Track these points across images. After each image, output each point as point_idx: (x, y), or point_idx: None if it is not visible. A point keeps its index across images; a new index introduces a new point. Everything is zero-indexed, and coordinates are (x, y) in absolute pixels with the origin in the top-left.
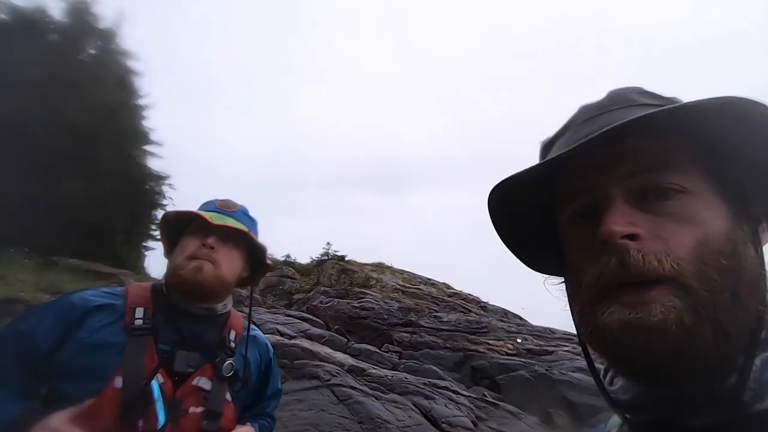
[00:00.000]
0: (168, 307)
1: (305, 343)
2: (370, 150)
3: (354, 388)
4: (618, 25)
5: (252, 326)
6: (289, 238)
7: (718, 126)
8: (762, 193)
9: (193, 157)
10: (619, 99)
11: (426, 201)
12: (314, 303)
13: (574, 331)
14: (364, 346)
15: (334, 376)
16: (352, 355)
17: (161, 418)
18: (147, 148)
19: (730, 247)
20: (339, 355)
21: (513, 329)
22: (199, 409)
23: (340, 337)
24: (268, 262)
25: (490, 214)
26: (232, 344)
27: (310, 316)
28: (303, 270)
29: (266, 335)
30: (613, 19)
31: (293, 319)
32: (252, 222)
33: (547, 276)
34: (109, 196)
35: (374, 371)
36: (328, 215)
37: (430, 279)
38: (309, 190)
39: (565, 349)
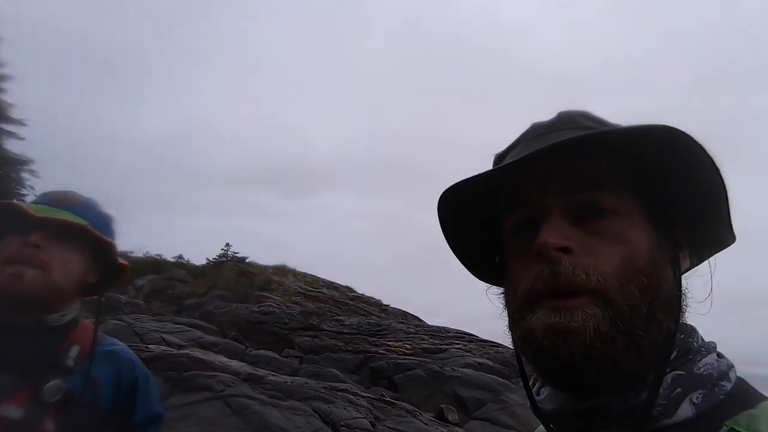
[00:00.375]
0: None
1: (196, 353)
2: (275, 148)
3: (250, 398)
4: (517, 47)
5: (113, 340)
6: (182, 237)
7: (647, 152)
8: (685, 219)
9: (67, 142)
10: (566, 120)
11: (331, 203)
12: (209, 308)
13: (466, 330)
14: (263, 352)
15: (229, 386)
16: (250, 363)
17: None
18: (3, 126)
19: (651, 266)
20: (235, 364)
21: (411, 330)
22: None
23: (236, 344)
24: (121, 262)
25: (440, 219)
26: (70, 362)
27: (204, 323)
28: (197, 272)
29: (151, 346)
30: (514, 41)
31: (183, 327)
32: (102, 217)
33: (489, 286)
34: None
35: (273, 378)
36: (228, 214)
37: (333, 282)
38: (207, 186)
39: (457, 346)
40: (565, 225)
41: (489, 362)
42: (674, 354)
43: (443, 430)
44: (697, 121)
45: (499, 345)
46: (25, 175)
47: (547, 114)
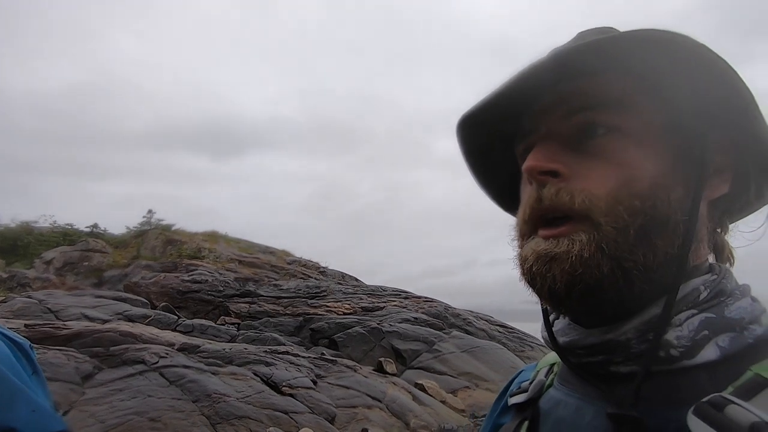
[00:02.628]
0: None
1: (124, 326)
2: (199, 107)
3: (187, 367)
4: (455, 8)
5: None
6: (96, 204)
7: (657, 60)
8: (720, 140)
9: None
10: (583, 38)
11: (263, 165)
12: (134, 279)
13: (402, 288)
14: (197, 321)
15: (163, 357)
16: (184, 333)
17: None
18: None
19: (652, 189)
20: (168, 335)
21: (350, 291)
22: None
23: (168, 314)
24: None
25: (461, 146)
26: None
27: (130, 295)
28: (117, 242)
29: (69, 322)
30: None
31: (106, 300)
32: None
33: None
34: None
35: (210, 346)
36: (150, 179)
37: (269, 247)
38: (123, 148)
39: (394, 303)
40: (555, 148)
41: (424, 316)
42: (704, 295)
43: (382, 380)
44: None
45: (432, 300)
46: None
47: (481, 77)
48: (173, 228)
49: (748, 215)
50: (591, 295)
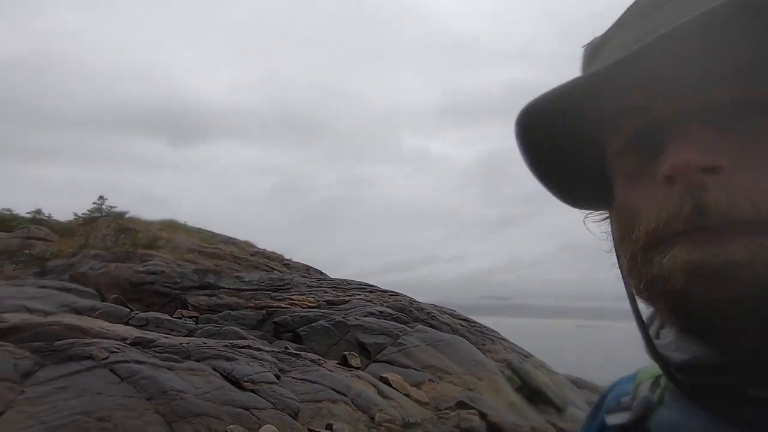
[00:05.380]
0: None
1: (70, 319)
2: (153, 90)
3: (140, 362)
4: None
5: None
6: (39, 189)
7: None
8: None
9: None
10: None
11: (222, 153)
12: (81, 270)
13: (366, 281)
14: (152, 314)
15: (114, 352)
16: (137, 326)
17: None
18: None
19: None
20: (119, 328)
21: (314, 284)
22: None
23: (119, 307)
24: None
25: (519, 141)
26: None
27: (77, 286)
28: (63, 230)
29: (7, 315)
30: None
31: (50, 291)
32: None
33: (587, 212)
34: None
35: (166, 340)
36: (101, 163)
37: (231, 238)
38: (70, 130)
39: (359, 297)
40: (706, 132)
41: (389, 310)
42: None
43: (347, 374)
44: None
45: (397, 294)
46: None
47: (443, 76)
48: (127, 216)
49: None
50: (756, 314)
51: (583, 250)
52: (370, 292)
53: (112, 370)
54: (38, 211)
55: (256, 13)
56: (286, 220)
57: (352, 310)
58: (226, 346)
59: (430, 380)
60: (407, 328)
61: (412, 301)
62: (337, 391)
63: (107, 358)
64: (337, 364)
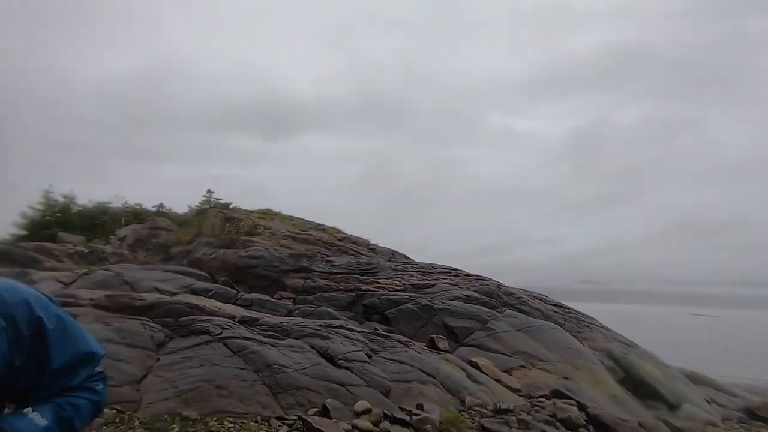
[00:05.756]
0: None
1: (190, 299)
2: (252, 88)
3: (248, 339)
4: None
5: None
6: (160, 185)
7: None
8: None
9: (19, 85)
10: None
11: (313, 144)
12: (197, 255)
13: (452, 265)
14: (255, 295)
15: (226, 329)
16: (243, 306)
17: None
18: None
19: None
20: (229, 307)
21: (400, 268)
22: None
23: (228, 288)
24: None
25: None
26: None
27: (194, 270)
28: (180, 221)
29: (144, 294)
30: None
31: (174, 275)
32: None
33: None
34: None
35: (268, 319)
36: (208, 160)
37: (320, 224)
38: (182, 130)
39: (444, 281)
40: None
41: (476, 294)
42: None
43: (435, 356)
44: (686, 50)
45: (484, 278)
46: None
47: (532, 47)
48: (230, 206)
49: None
50: None
51: (694, 231)
52: (456, 275)
53: (225, 345)
54: (161, 205)
55: (336, 2)
56: (372, 206)
57: (438, 293)
58: (321, 325)
59: (521, 366)
60: (496, 313)
61: (500, 285)
62: (426, 373)
63: (221, 333)
64: (425, 346)
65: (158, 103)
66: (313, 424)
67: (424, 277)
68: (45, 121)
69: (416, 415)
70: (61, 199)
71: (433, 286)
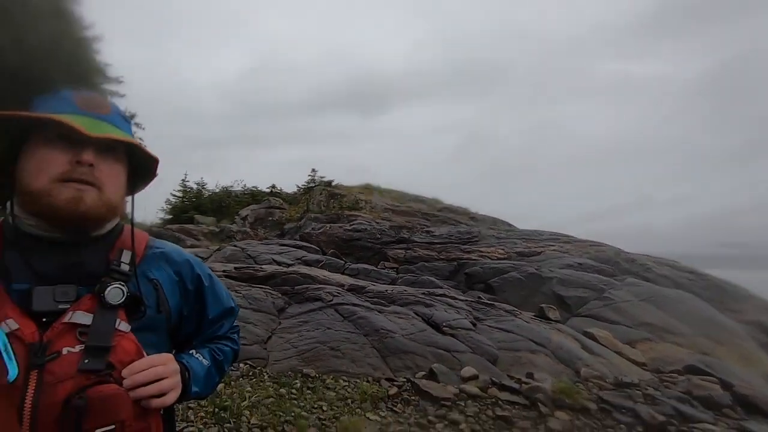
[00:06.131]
0: (20, 238)
1: (303, 269)
2: (347, 68)
3: (356, 305)
4: None
5: (162, 242)
6: (271, 167)
7: None
8: None
9: (155, 94)
10: None
11: (409, 119)
12: (307, 230)
13: (561, 232)
14: (361, 265)
15: (336, 296)
16: (351, 275)
17: (10, 369)
18: (106, 86)
19: None
20: (338, 277)
21: (502, 236)
22: (77, 348)
23: (336, 259)
24: (152, 155)
25: None
26: (125, 267)
27: (305, 243)
28: (290, 199)
29: (264, 266)
30: None
31: (288, 248)
32: (128, 123)
33: None
34: None
35: (374, 287)
36: (311, 140)
37: (419, 196)
38: (287, 116)
39: (553, 248)
40: None
41: (590, 261)
42: None
43: (545, 326)
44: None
45: (600, 244)
46: (132, 128)
47: None
48: (333, 183)
49: None
50: None
51: None
52: (566, 242)
53: (336, 310)
54: (273, 186)
55: None
56: (469, 176)
57: (546, 261)
58: (424, 293)
59: (646, 339)
60: (614, 282)
61: (619, 251)
62: (536, 342)
63: (332, 300)
64: (534, 316)
65: (267, 96)
66: (422, 387)
67: (529, 245)
68: (178, 122)
69: (526, 383)
70: (194, 187)
71: (539, 253)
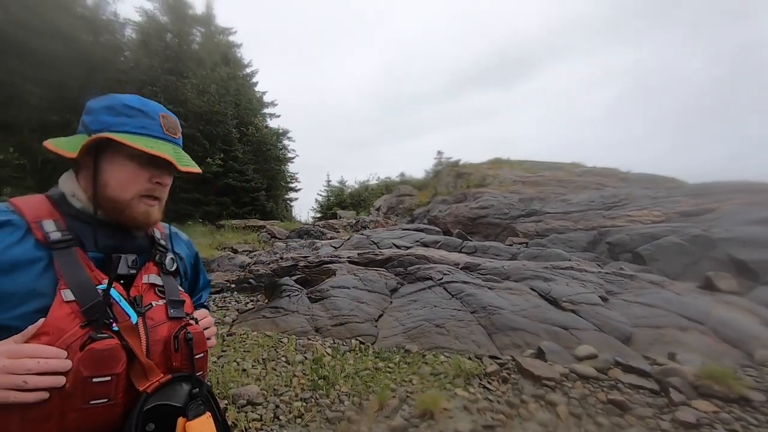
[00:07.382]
0: (84, 218)
1: (419, 251)
2: (479, 42)
3: (465, 283)
4: None
5: (166, 225)
6: (402, 156)
7: None
8: None
9: (305, 107)
10: None
11: (556, 80)
12: (433, 213)
13: (750, 181)
14: (478, 243)
15: (446, 274)
16: (467, 254)
17: (132, 314)
18: (264, 111)
19: None
20: (454, 256)
21: (661, 195)
22: (161, 302)
23: (454, 239)
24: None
25: None
26: (162, 242)
27: (427, 226)
28: (419, 185)
29: (384, 250)
30: None
31: (410, 232)
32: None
33: None
34: (243, 164)
35: (489, 264)
36: (445, 124)
37: (555, 163)
38: (423, 104)
39: (734, 202)
40: None
41: None
42: None
43: (707, 298)
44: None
45: None
46: (286, 142)
47: None
48: (460, 163)
49: None
50: None
51: None
52: (756, 192)
53: (444, 288)
54: (402, 174)
55: None
56: (634, 130)
57: (721, 219)
58: (545, 267)
59: None
60: None
61: None
62: (688, 318)
63: (441, 279)
64: (697, 287)
65: (403, 87)
66: (524, 365)
67: (698, 202)
68: (330, 128)
69: (661, 365)
70: (337, 185)
71: (712, 211)
